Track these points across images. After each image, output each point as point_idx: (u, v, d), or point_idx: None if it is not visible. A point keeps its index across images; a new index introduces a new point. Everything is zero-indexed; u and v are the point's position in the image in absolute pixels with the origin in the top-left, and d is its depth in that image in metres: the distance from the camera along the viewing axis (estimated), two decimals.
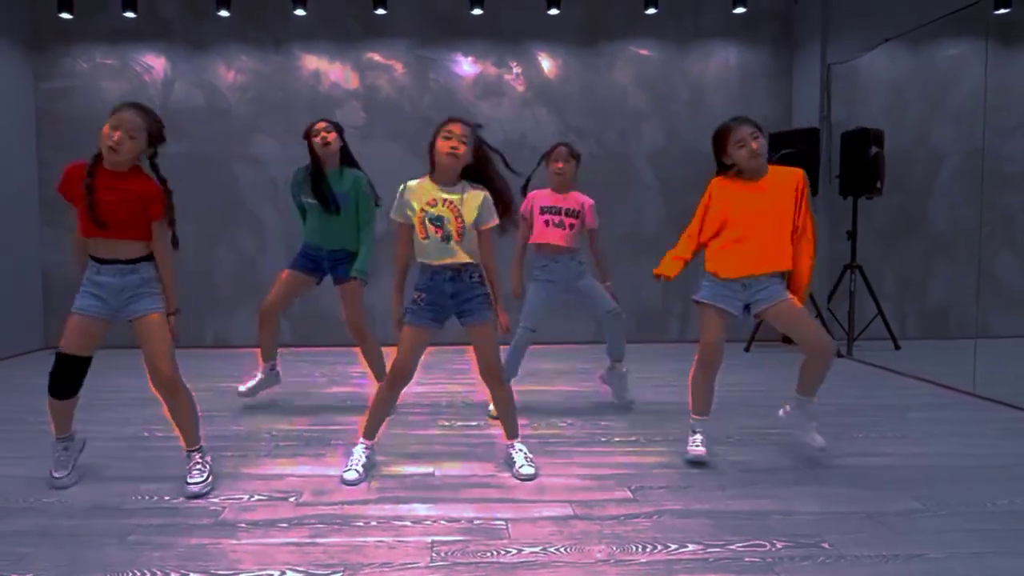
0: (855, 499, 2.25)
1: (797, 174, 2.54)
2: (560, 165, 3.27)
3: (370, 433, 2.54)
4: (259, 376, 3.42)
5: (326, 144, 3.17)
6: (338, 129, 3.25)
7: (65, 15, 5.05)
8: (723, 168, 2.59)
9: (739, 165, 2.52)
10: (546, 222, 3.24)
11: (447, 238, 2.39)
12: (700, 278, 2.60)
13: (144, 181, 2.31)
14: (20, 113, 5.21)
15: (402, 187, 2.48)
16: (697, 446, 2.56)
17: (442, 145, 2.38)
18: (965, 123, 5.48)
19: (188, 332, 5.44)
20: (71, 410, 2.41)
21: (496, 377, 2.52)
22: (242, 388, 3.42)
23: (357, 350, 3.46)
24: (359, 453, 2.50)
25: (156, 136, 2.32)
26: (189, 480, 2.31)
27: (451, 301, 2.45)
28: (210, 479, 2.35)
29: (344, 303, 3.32)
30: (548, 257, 3.26)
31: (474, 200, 2.43)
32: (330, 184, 3.21)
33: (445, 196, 2.41)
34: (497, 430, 2.99)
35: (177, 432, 2.42)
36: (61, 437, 2.42)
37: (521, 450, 2.55)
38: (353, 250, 3.27)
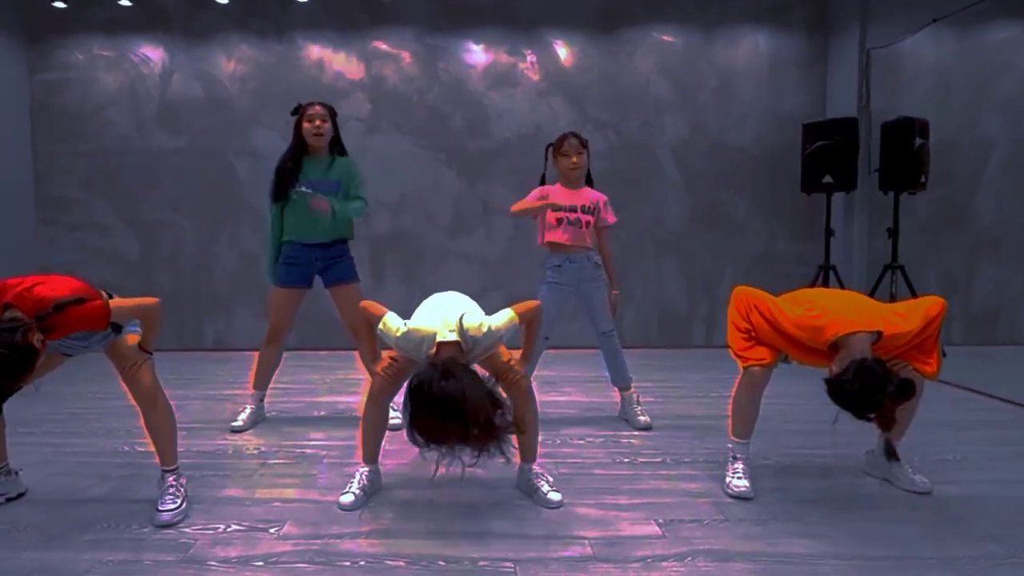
0: (919, 539, 1.93)
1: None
2: (575, 159, 3.01)
3: (367, 457, 2.27)
4: (250, 408, 3.11)
5: (317, 134, 2.93)
6: (333, 116, 3.00)
7: (60, 4, 4.85)
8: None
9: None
10: (559, 220, 2.98)
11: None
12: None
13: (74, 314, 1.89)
14: (14, 106, 5.01)
15: None
16: (740, 478, 2.24)
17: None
18: (1014, 111, 5.10)
19: (186, 333, 5.28)
20: None
21: (521, 391, 2.21)
22: (235, 424, 3.05)
23: (356, 353, 3.19)
24: (359, 476, 2.24)
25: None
26: (160, 507, 2.06)
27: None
28: (183, 506, 2.09)
29: (342, 307, 3.05)
30: (562, 256, 3.01)
31: None
32: (311, 172, 2.96)
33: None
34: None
35: (152, 448, 2.16)
36: None
37: (541, 475, 2.26)
38: (347, 239, 3.05)
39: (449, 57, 5.18)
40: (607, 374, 3.18)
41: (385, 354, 2.25)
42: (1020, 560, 1.81)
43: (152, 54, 5.13)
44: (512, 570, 1.77)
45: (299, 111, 2.99)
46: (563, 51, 5.21)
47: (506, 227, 5.18)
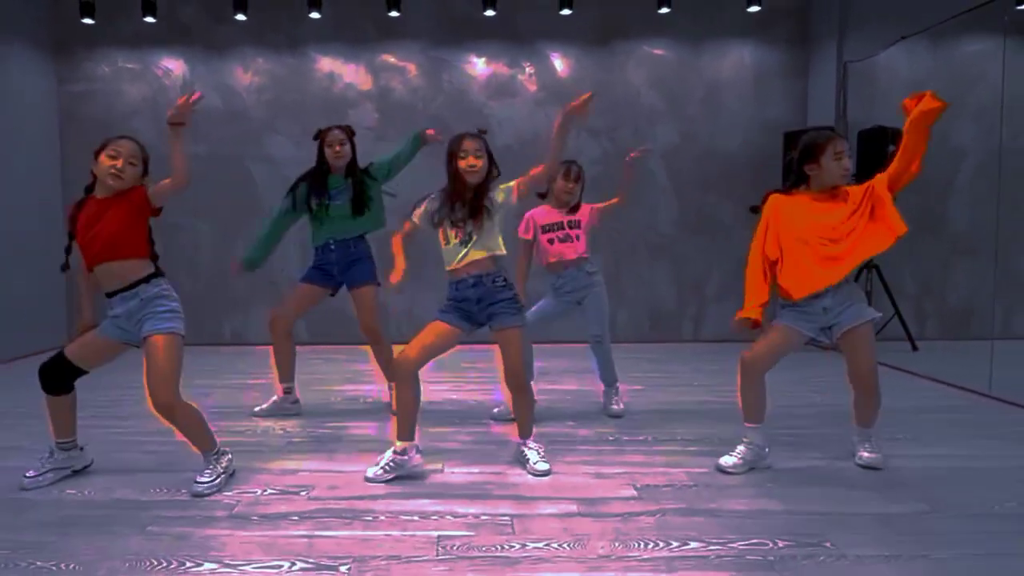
0: (861, 500, 2.25)
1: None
2: (572, 186, 3.20)
3: (403, 434, 2.49)
4: (274, 399, 3.35)
5: (337, 157, 3.22)
6: (351, 137, 3.27)
7: (88, 20, 5.17)
8: (797, 181, 2.50)
9: (829, 180, 2.44)
10: (550, 240, 3.21)
11: (468, 239, 2.50)
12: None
13: (130, 192, 2.30)
14: (45, 116, 5.35)
15: (429, 195, 2.62)
16: (730, 456, 2.51)
17: (462, 163, 2.51)
18: (985, 121, 5.40)
19: (206, 329, 5.61)
20: (67, 410, 2.41)
21: (520, 384, 2.53)
22: (260, 407, 3.35)
23: (368, 349, 3.50)
24: (388, 455, 2.48)
25: (146, 167, 2.36)
26: (198, 479, 2.35)
27: (477, 306, 2.51)
28: (218, 481, 2.36)
29: (358, 308, 3.31)
30: (558, 273, 3.24)
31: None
32: (332, 184, 3.25)
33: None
34: (504, 429, 3.04)
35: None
36: (60, 442, 2.42)
37: (534, 448, 2.58)
38: (367, 231, 3.33)
39: (452, 69, 5.51)
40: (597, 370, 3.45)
41: (404, 348, 2.52)
42: (943, 515, 2.13)
43: (174, 67, 5.46)
44: (509, 522, 2.09)
45: (320, 136, 3.25)
46: (560, 63, 5.54)
47: (509, 229, 5.48)
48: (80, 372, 2.39)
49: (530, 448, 2.58)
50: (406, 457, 2.47)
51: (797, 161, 2.48)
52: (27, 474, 2.39)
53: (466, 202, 2.51)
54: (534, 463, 2.51)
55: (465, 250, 2.50)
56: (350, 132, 3.29)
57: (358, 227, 3.30)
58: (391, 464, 2.46)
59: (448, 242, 2.54)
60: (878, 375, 2.51)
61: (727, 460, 2.52)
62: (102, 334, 2.36)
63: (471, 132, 2.59)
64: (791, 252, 2.44)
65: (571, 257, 3.20)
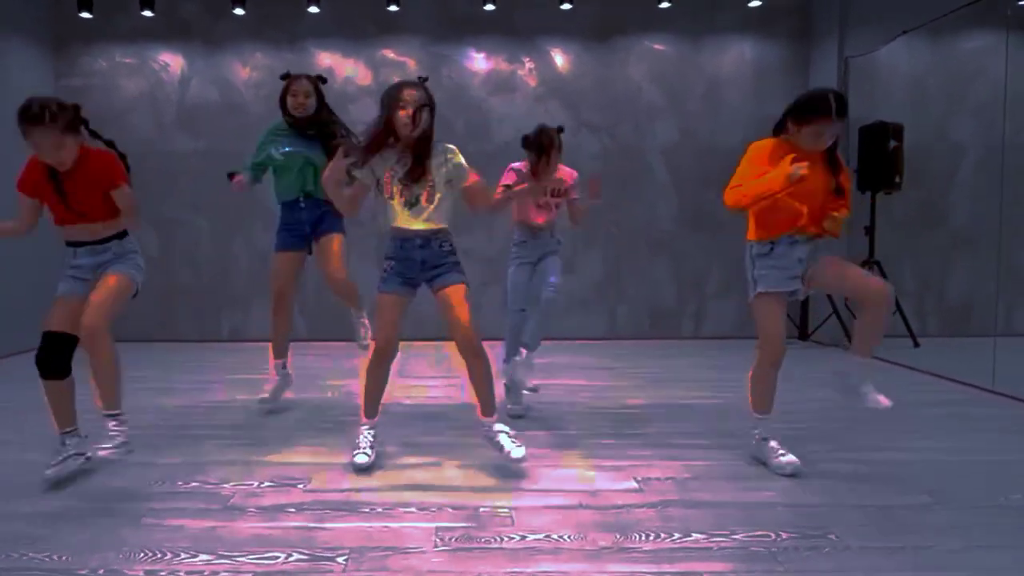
0: (864, 493, 2.22)
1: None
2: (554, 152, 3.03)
3: (370, 412, 2.52)
4: (274, 382, 3.31)
5: (298, 108, 3.08)
6: (317, 88, 3.12)
7: (85, 15, 5.15)
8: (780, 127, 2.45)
9: (801, 144, 2.37)
10: (536, 205, 3.07)
11: (414, 202, 2.38)
12: (745, 271, 2.49)
13: (97, 157, 2.31)
14: None
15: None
16: (783, 455, 2.42)
17: (403, 114, 2.32)
18: (986, 116, 5.39)
19: (205, 326, 5.59)
20: (68, 397, 2.36)
21: (474, 348, 2.36)
22: (263, 396, 3.27)
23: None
24: (365, 436, 2.51)
25: (77, 121, 2.26)
26: (100, 445, 2.28)
27: (420, 268, 2.44)
28: (124, 447, 2.33)
29: (323, 257, 3.16)
30: (527, 234, 3.13)
31: (441, 160, 2.40)
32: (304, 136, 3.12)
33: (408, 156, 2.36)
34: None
35: (96, 392, 2.36)
36: (64, 431, 2.37)
37: (502, 430, 2.41)
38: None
39: (452, 64, 5.49)
40: (606, 363, 3.42)
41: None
42: (946, 507, 2.11)
43: (172, 62, 5.44)
44: (508, 514, 2.06)
45: (285, 81, 3.11)
46: (560, 59, 5.52)
47: (505, 225, 5.47)
48: (71, 342, 2.33)
49: (498, 432, 2.40)
50: (376, 429, 2.52)
51: (787, 110, 2.42)
52: (51, 463, 2.30)
53: (406, 162, 2.36)
54: (508, 451, 2.34)
55: (410, 214, 2.38)
56: (317, 82, 3.14)
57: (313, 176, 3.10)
58: (371, 441, 2.48)
59: (392, 197, 2.39)
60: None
61: (786, 459, 2.39)
62: (69, 295, 2.36)
63: (411, 80, 2.42)
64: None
65: (544, 223, 3.10)
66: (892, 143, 4.85)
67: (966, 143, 5.43)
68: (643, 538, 1.89)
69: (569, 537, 1.90)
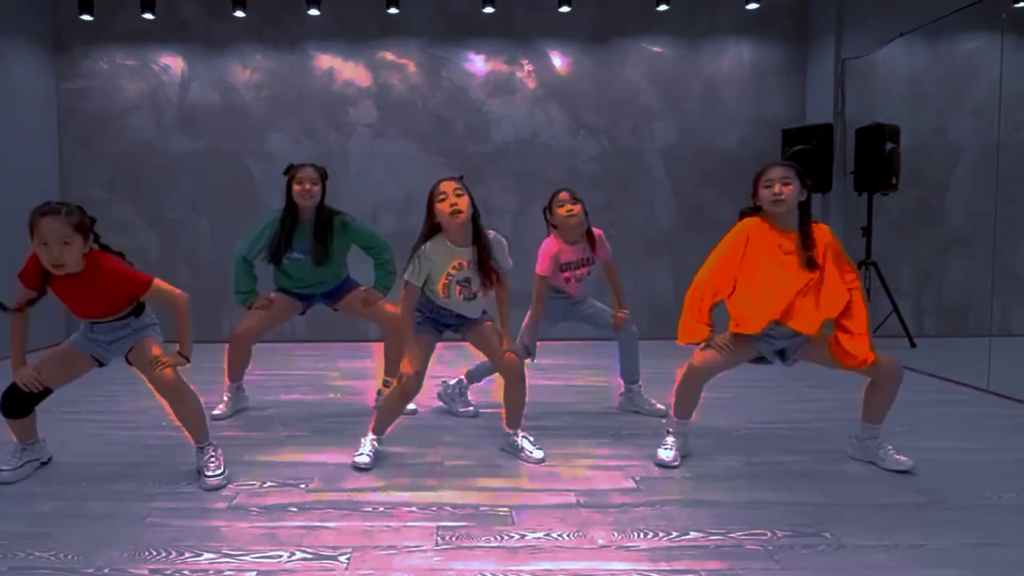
0: (860, 492, 2.25)
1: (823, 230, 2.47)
2: (569, 207, 3.04)
3: (379, 430, 2.60)
4: (226, 398, 3.23)
5: (306, 196, 3.01)
6: (323, 179, 3.07)
7: (86, 17, 5.17)
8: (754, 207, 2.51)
9: (765, 207, 2.44)
10: (567, 278, 3.14)
11: (472, 297, 2.57)
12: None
13: (109, 266, 2.27)
14: (43, 112, 5.34)
15: (418, 253, 2.50)
16: (668, 449, 2.52)
17: (442, 207, 2.43)
18: (983, 117, 5.42)
19: (205, 326, 5.60)
20: (30, 425, 2.43)
21: (519, 373, 2.58)
22: (216, 412, 3.15)
23: (373, 345, 3.47)
24: (368, 442, 2.56)
25: (87, 225, 2.21)
26: (207, 473, 2.33)
27: (455, 319, 2.67)
28: (226, 472, 2.37)
29: (367, 310, 3.19)
30: (554, 292, 3.17)
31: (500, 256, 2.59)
32: (299, 235, 3.08)
33: (465, 258, 2.52)
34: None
35: (185, 433, 2.44)
36: (25, 444, 2.43)
37: (526, 437, 2.63)
38: (342, 276, 3.24)
39: (451, 66, 5.51)
40: (604, 363, 3.43)
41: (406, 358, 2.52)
42: (941, 506, 2.13)
43: (172, 63, 5.45)
44: (508, 513, 2.09)
45: (290, 173, 3.06)
46: (558, 61, 5.54)
47: (504, 227, 5.50)
48: (42, 397, 2.38)
49: (521, 438, 2.62)
50: (380, 444, 2.61)
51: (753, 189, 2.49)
52: (2, 468, 2.37)
53: (481, 263, 2.51)
54: (529, 452, 2.57)
55: (465, 305, 2.59)
56: (323, 174, 3.09)
57: (319, 276, 3.15)
58: (374, 447, 2.56)
59: (449, 295, 2.55)
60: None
61: (666, 454, 2.50)
62: (79, 347, 2.40)
63: (448, 176, 2.54)
64: (751, 287, 2.44)
65: (578, 291, 3.21)
66: (889, 145, 4.88)
67: (963, 144, 5.46)
68: (641, 536, 1.92)
69: (568, 535, 1.93)
